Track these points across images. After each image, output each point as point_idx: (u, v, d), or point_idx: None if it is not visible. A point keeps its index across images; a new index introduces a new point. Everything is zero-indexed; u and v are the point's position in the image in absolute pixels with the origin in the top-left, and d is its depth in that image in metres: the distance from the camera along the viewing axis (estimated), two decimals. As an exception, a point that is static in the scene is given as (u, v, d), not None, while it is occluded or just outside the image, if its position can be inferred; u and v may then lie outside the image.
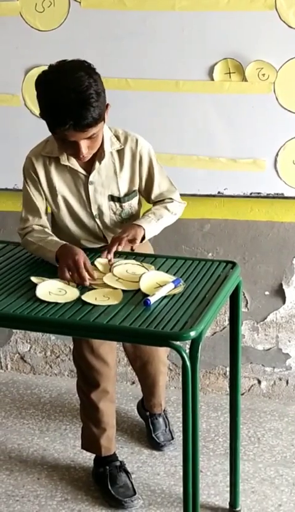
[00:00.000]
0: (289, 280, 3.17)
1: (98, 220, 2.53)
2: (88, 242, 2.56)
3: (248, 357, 3.26)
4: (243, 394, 3.27)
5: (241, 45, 2.86)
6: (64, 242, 2.41)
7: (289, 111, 2.91)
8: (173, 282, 2.22)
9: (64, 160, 2.45)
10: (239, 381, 2.47)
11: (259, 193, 3.02)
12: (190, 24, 2.88)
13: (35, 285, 2.24)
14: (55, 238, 2.47)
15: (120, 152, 2.47)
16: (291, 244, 3.13)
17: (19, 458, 2.90)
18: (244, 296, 3.21)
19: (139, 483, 2.72)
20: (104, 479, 2.66)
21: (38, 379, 3.47)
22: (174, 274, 2.31)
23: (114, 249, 2.36)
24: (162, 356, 2.85)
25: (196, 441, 2.04)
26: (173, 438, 2.94)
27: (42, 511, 2.61)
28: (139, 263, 2.37)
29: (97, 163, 2.45)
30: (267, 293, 3.21)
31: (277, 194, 3.01)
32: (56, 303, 2.13)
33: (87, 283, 2.24)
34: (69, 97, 2.20)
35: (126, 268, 2.32)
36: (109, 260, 2.36)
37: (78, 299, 2.16)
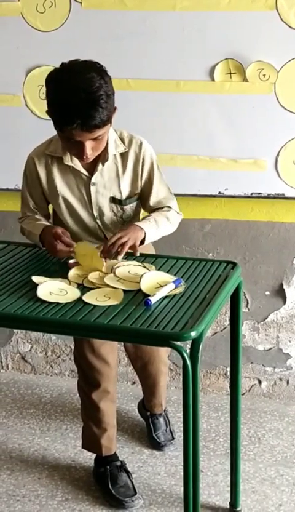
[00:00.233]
0: (289, 281, 3.17)
1: (98, 221, 2.53)
2: (89, 242, 2.56)
3: (249, 357, 3.27)
4: (243, 394, 3.27)
5: (241, 45, 2.87)
6: (47, 224, 2.50)
7: (289, 111, 2.91)
8: (174, 282, 2.22)
9: (67, 160, 2.45)
10: (240, 381, 2.47)
11: (259, 193, 3.02)
12: (191, 25, 2.89)
13: (36, 285, 2.24)
14: (42, 222, 2.53)
15: (124, 155, 2.47)
16: (292, 244, 3.14)
17: (20, 457, 2.90)
18: (245, 297, 3.21)
19: (140, 483, 2.72)
20: (105, 479, 2.66)
21: (39, 379, 3.47)
22: (174, 274, 2.31)
23: (114, 250, 2.33)
24: (163, 356, 2.85)
25: (196, 441, 2.04)
26: (173, 438, 2.94)
27: (42, 511, 2.62)
28: (140, 264, 2.37)
29: (100, 165, 2.45)
30: (267, 293, 3.21)
31: (278, 194, 3.01)
32: (57, 303, 2.14)
33: (72, 248, 2.34)
34: (79, 97, 2.20)
35: (128, 268, 2.32)
36: (106, 257, 2.33)
37: (79, 299, 2.16)
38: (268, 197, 3.02)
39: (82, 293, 2.19)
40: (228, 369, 2.53)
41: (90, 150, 2.32)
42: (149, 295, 2.14)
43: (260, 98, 2.91)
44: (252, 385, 3.31)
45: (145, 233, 2.41)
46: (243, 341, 3.20)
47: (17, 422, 3.13)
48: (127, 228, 2.42)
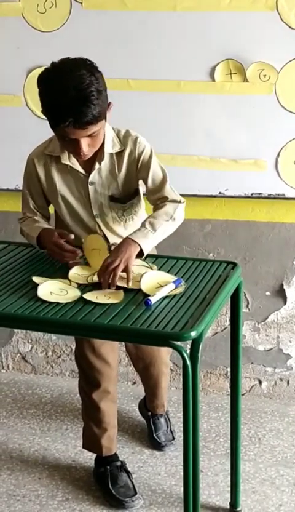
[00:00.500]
0: (290, 281, 3.17)
1: (98, 220, 2.53)
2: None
3: (249, 358, 3.27)
4: (243, 395, 3.27)
5: (242, 46, 2.87)
6: (45, 227, 2.49)
7: (290, 111, 2.91)
8: (174, 282, 2.22)
9: (65, 159, 2.45)
10: (240, 381, 2.47)
11: (259, 194, 3.02)
12: (192, 25, 2.89)
13: (36, 285, 2.24)
14: (40, 224, 2.51)
15: (121, 153, 2.47)
16: (292, 244, 3.14)
17: (21, 457, 2.90)
18: (245, 297, 3.21)
19: (140, 483, 2.72)
20: (105, 479, 2.66)
21: (39, 379, 3.47)
22: (175, 275, 2.31)
23: (105, 281, 2.23)
24: (164, 357, 2.85)
25: (196, 441, 2.04)
26: (174, 438, 2.94)
27: (43, 511, 2.62)
28: (142, 264, 2.37)
29: (97, 163, 2.45)
30: (267, 293, 3.21)
31: (278, 194, 3.01)
32: (58, 303, 2.14)
33: (78, 254, 2.34)
34: (70, 94, 2.20)
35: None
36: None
37: (80, 299, 2.17)
38: (268, 197, 3.02)
39: (82, 293, 2.19)
40: (229, 369, 2.53)
41: (86, 147, 2.32)
42: (149, 295, 2.15)
43: (260, 99, 2.91)
44: (253, 385, 3.31)
45: (139, 246, 2.31)
46: (244, 342, 3.20)
47: (17, 422, 3.13)
48: (117, 247, 2.31)
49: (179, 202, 2.48)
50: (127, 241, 2.32)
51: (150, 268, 2.33)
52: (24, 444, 2.98)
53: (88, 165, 2.46)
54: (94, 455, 2.75)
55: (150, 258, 2.45)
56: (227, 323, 3.23)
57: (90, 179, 2.47)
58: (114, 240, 2.51)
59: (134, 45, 2.95)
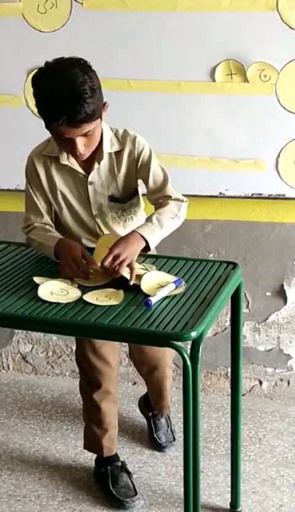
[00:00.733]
0: (290, 281, 3.17)
1: (98, 220, 2.53)
2: (89, 241, 2.55)
3: (249, 358, 3.27)
4: (244, 395, 3.27)
5: (242, 46, 2.87)
6: (61, 237, 2.43)
7: (290, 112, 2.91)
8: (174, 282, 2.22)
9: (63, 159, 2.45)
10: (241, 381, 2.47)
11: (260, 194, 3.02)
12: (192, 25, 2.89)
13: (37, 285, 2.24)
14: (55, 234, 2.48)
15: (119, 153, 2.47)
16: (292, 244, 3.14)
17: (21, 458, 2.90)
18: (246, 297, 3.21)
19: (140, 483, 2.72)
20: (106, 479, 2.66)
21: (40, 379, 3.47)
22: (175, 275, 2.31)
23: (111, 271, 2.24)
24: (168, 360, 2.85)
25: (197, 441, 2.04)
26: (174, 439, 2.94)
27: (43, 511, 2.62)
28: (141, 266, 2.37)
29: (96, 163, 2.45)
30: (268, 294, 3.21)
31: (278, 195, 3.01)
32: (58, 303, 2.14)
33: (88, 278, 2.28)
34: (63, 93, 2.20)
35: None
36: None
37: (80, 299, 2.17)
38: (268, 197, 3.02)
39: (83, 293, 2.19)
40: (229, 370, 2.53)
41: (82, 146, 2.31)
42: (149, 295, 2.15)
43: (261, 99, 2.91)
44: (253, 386, 3.31)
45: (146, 240, 2.32)
46: (244, 342, 3.20)
47: (18, 422, 3.13)
48: (126, 237, 2.32)
49: (182, 201, 2.49)
50: (135, 235, 2.32)
51: (147, 270, 2.32)
52: (24, 444, 2.98)
53: (88, 165, 2.46)
54: (95, 455, 2.75)
55: (150, 259, 2.45)
56: (228, 323, 3.23)
57: (89, 179, 2.47)
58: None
59: (135, 46, 2.95)
